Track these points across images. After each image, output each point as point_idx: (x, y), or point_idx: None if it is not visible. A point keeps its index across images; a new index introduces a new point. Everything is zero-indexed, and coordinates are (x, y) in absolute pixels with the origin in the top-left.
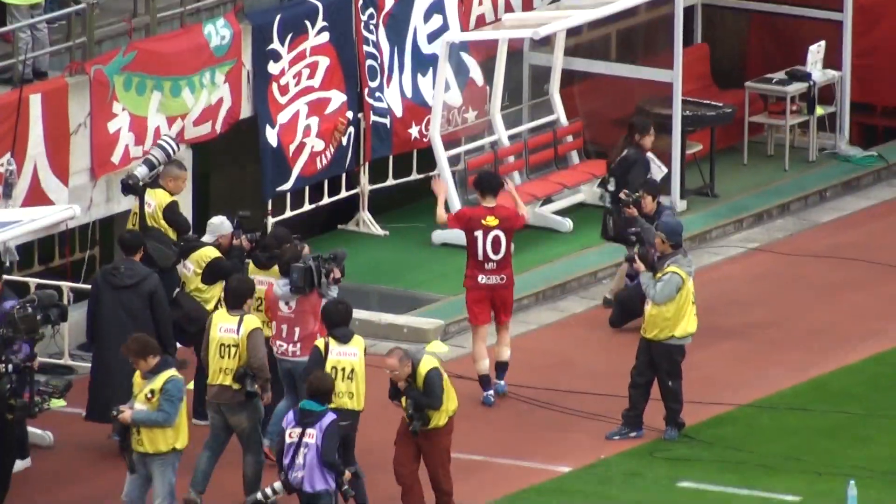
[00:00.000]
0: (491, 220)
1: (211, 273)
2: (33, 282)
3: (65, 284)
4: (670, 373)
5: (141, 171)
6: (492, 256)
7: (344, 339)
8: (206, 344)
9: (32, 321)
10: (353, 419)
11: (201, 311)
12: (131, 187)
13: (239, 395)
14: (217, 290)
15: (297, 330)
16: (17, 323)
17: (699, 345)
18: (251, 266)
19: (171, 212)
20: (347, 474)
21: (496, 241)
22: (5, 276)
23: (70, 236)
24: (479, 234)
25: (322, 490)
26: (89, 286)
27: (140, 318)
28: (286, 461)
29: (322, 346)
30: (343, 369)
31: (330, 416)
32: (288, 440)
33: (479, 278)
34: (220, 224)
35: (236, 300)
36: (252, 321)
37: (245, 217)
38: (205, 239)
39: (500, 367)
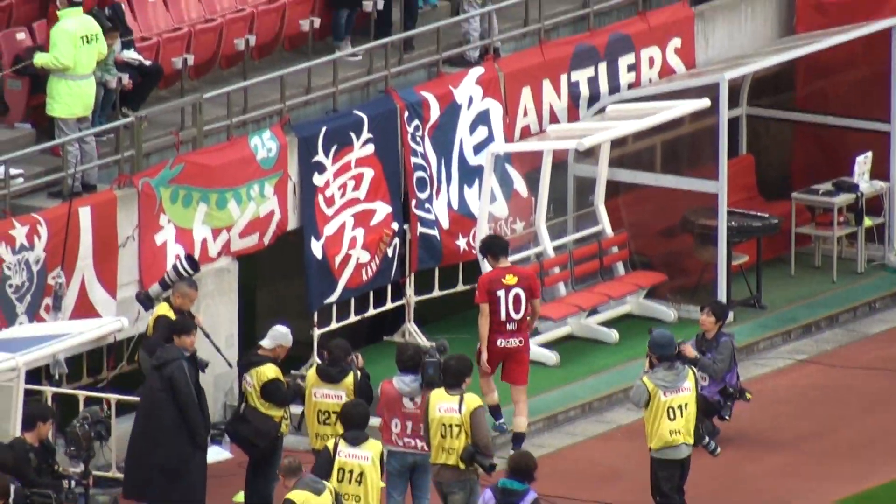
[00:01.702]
0: (510, 279)
1: (267, 394)
2: (82, 394)
3: (112, 396)
4: (653, 487)
5: (154, 290)
6: (513, 316)
7: (355, 441)
8: (426, 424)
9: (90, 438)
10: None
11: (270, 425)
12: (142, 303)
13: (463, 473)
14: (279, 411)
15: (422, 425)
16: (80, 440)
17: (748, 458)
18: (313, 378)
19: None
20: None
21: (517, 299)
22: (54, 389)
23: (118, 348)
24: (501, 293)
25: None
26: (136, 398)
27: (160, 400)
28: None
29: (331, 447)
30: (351, 472)
31: (532, 495)
32: None
33: (498, 342)
34: (284, 335)
35: (456, 379)
36: (473, 400)
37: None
38: (264, 343)
39: (518, 439)
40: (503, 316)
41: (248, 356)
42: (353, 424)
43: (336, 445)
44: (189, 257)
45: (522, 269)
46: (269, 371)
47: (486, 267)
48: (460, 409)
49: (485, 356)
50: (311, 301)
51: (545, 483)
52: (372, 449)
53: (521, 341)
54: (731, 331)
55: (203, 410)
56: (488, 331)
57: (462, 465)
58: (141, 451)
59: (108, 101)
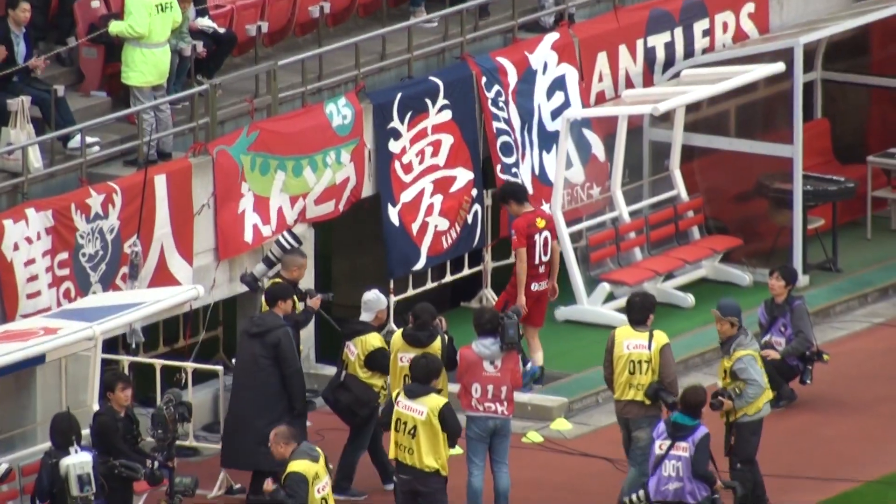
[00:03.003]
0: (540, 222)
1: (372, 363)
2: (159, 363)
3: (189, 365)
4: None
5: (259, 269)
6: (543, 259)
7: (411, 394)
8: (610, 360)
9: (174, 420)
10: (414, 475)
11: (371, 394)
12: (249, 284)
13: (648, 409)
14: (380, 380)
15: (503, 389)
16: (167, 423)
17: (825, 422)
18: (399, 342)
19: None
20: (719, 484)
21: (545, 242)
22: (131, 358)
23: (194, 317)
24: (536, 237)
25: (692, 502)
26: (213, 367)
27: (263, 368)
28: (652, 472)
29: (394, 397)
30: (405, 423)
31: (702, 430)
32: (657, 451)
33: (532, 286)
34: (376, 300)
35: (642, 315)
36: (662, 337)
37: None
38: (363, 318)
39: (541, 375)
40: (537, 259)
41: (353, 324)
42: (415, 377)
43: (398, 395)
44: (290, 231)
45: (544, 211)
46: (375, 340)
47: (562, 231)
48: (650, 346)
49: (522, 300)
50: (392, 268)
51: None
52: (427, 405)
53: (547, 283)
54: (805, 294)
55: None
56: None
57: (647, 402)
58: (242, 419)
59: (182, 69)
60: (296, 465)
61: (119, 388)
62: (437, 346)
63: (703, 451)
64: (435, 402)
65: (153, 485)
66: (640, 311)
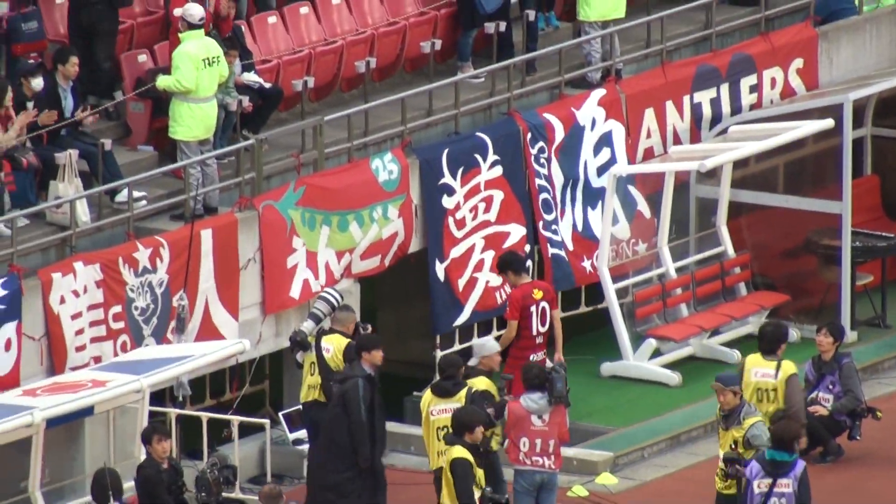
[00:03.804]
0: (537, 294)
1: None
2: (205, 416)
3: (235, 418)
4: None
5: (307, 326)
6: (541, 330)
7: (444, 393)
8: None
9: (217, 483)
10: None
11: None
12: (300, 343)
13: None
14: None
15: (551, 442)
16: (211, 486)
17: (872, 476)
18: (429, 397)
19: (350, 352)
20: None
21: (543, 313)
22: (178, 411)
23: (240, 370)
24: (532, 309)
25: None
26: (259, 420)
27: (335, 417)
28: None
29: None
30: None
31: (801, 464)
32: (757, 491)
33: (530, 357)
34: (482, 345)
35: (772, 345)
36: (790, 367)
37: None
38: (471, 363)
39: None
40: (534, 331)
41: (466, 369)
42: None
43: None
44: (332, 287)
45: (542, 282)
46: (481, 384)
47: (608, 288)
48: (776, 375)
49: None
50: (436, 324)
51: (657, 501)
52: (447, 455)
53: (544, 353)
54: (853, 350)
55: (375, 431)
56: (519, 347)
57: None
58: (315, 468)
59: (228, 124)
60: None
61: (156, 440)
62: (462, 394)
63: (806, 484)
64: (450, 453)
65: None
66: (771, 340)
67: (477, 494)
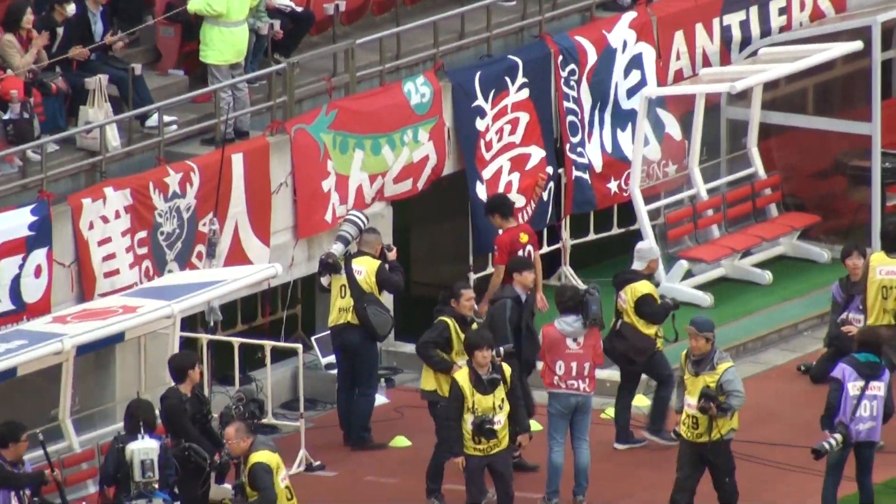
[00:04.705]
0: (523, 237)
1: (641, 309)
2: (237, 341)
3: (268, 343)
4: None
5: (338, 249)
6: None
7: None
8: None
9: (242, 419)
10: None
11: (646, 342)
12: (332, 265)
13: None
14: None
15: (586, 365)
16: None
17: None
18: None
19: (383, 273)
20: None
21: (529, 256)
22: (210, 336)
23: (272, 295)
24: (520, 253)
25: (877, 441)
26: (292, 345)
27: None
28: (847, 414)
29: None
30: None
31: (887, 370)
32: (852, 393)
33: None
34: (648, 249)
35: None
36: None
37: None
38: (634, 266)
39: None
40: None
41: (624, 274)
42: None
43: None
44: (358, 209)
45: (527, 225)
46: (644, 287)
47: (640, 209)
48: None
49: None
50: (479, 245)
51: None
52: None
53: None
54: None
55: (521, 353)
56: None
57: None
58: None
59: (259, 48)
60: (259, 456)
61: (197, 368)
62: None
63: (890, 390)
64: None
65: (220, 477)
66: (894, 238)
67: (470, 419)
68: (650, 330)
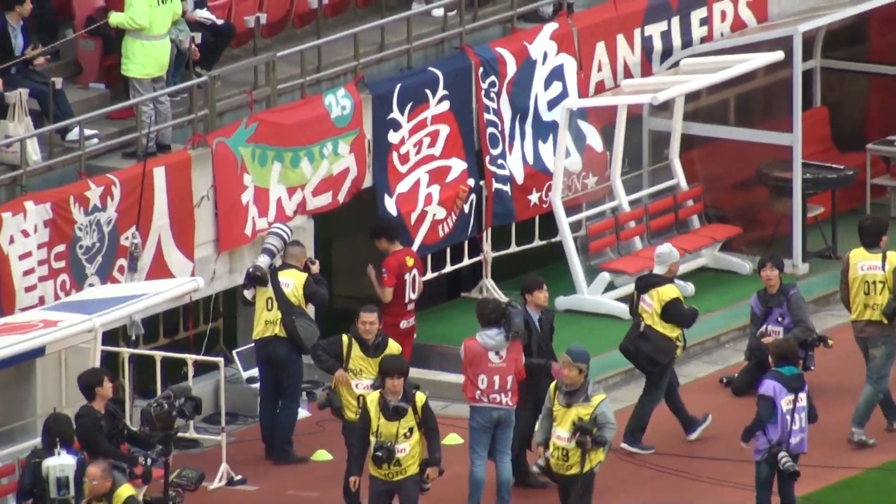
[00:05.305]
0: (409, 261)
1: (668, 314)
2: (159, 355)
3: (189, 357)
4: None
5: (264, 261)
6: (412, 297)
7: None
8: (845, 283)
9: (168, 418)
10: None
11: (670, 345)
12: (259, 278)
13: (885, 329)
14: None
15: (509, 379)
16: (153, 420)
17: (825, 408)
18: (356, 352)
19: (310, 287)
20: None
21: (414, 280)
22: (131, 350)
23: (194, 309)
24: (407, 276)
25: None
26: (213, 358)
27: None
28: (785, 431)
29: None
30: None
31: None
32: (786, 408)
33: (401, 324)
34: (668, 253)
35: (874, 238)
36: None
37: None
38: (656, 270)
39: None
40: (406, 298)
41: (647, 277)
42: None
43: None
44: (281, 222)
45: (411, 249)
46: (671, 291)
47: (562, 221)
48: (883, 266)
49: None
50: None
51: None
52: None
53: (414, 321)
54: (805, 282)
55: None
56: (391, 314)
57: (885, 321)
58: None
59: (180, 61)
60: (127, 489)
61: (107, 381)
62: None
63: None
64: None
65: (147, 482)
66: (872, 234)
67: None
68: (673, 333)
